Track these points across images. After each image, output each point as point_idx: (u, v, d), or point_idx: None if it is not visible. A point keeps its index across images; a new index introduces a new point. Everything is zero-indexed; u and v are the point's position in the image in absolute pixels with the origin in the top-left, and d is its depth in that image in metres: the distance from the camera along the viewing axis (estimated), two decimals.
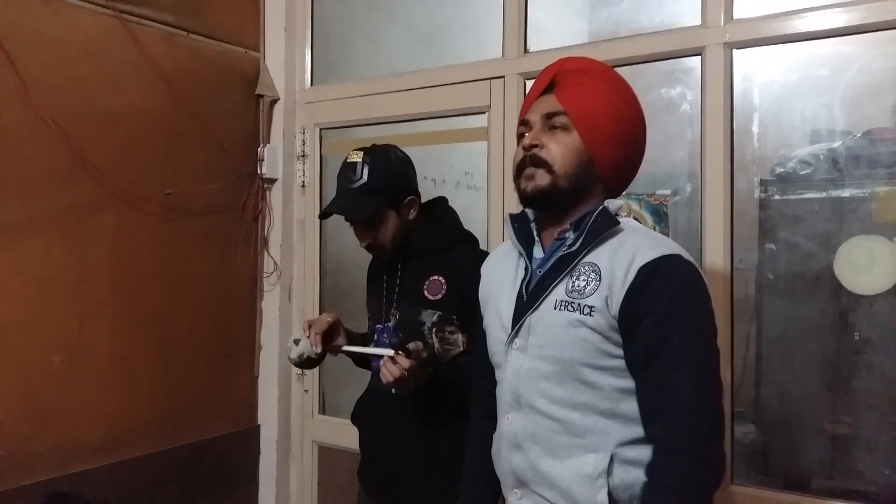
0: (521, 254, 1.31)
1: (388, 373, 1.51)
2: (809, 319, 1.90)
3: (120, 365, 2.17)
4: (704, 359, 1.13)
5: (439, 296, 1.71)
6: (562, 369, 1.18)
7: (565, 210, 1.26)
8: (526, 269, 1.29)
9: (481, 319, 1.42)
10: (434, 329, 1.69)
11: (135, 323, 2.22)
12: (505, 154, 2.19)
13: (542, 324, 1.21)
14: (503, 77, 2.20)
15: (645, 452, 1.16)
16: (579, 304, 1.17)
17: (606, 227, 1.20)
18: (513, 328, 1.26)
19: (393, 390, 1.73)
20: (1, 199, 1.89)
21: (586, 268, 1.19)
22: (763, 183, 1.96)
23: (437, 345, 1.67)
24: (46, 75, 1.99)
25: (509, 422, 1.27)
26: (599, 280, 1.16)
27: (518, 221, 1.34)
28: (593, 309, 1.15)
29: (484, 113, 2.25)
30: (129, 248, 2.20)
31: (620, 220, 1.22)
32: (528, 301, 1.25)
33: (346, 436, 2.18)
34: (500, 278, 1.35)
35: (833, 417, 1.90)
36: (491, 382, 1.38)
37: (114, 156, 2.15)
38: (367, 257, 1.97)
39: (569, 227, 1.24)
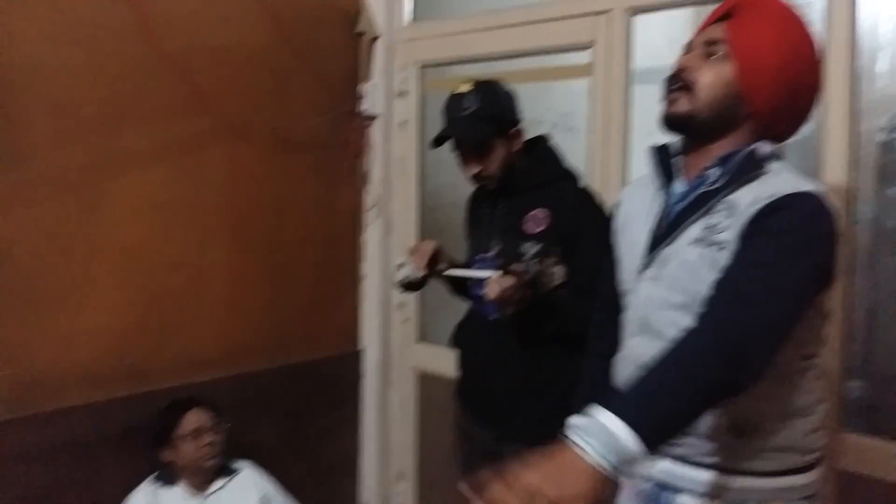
0: (661, 186, 1.30)
1: (497, 287, 1.56)
2: None
3: (234, 286, 2.31)
4: (791, 280, 1.06)
5: (540, 229, 1.73)
6: (691, 300, 1.17)
7: (706, 142, 1.24)
8: (665, 202, 1.28)
9: (611, 248, 1.42)
10: (534, 260, 1.72)
11: (247, 249, 2.34)
12: (610, 93, 2.13)
13: (676, 257, 1.21)
14: (609, 11, 2.13)
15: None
16: (711, 241, 1.16)
17: (751, 169, 1.17)
18: (647, 258, 1.26)
19: (491, 316, 1.78)
20: (125, 129, 2.01)
21: (722, 205, 1.18)
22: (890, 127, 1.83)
23: (537, 276, 1.70)
24: (164, 10, 2.07)
25: (636, 344, 1.29)
26: (732, 217, 1.15)
27: (660, 153, 1.32)
28: (723, 245, 1.15)
29: (588, 49, 2.19)
30: (240, 178, 2.31)
31: (770, 165, 1.19)
32: (664, 233, 1.24)
33: (445, 363, 2.25)
34: (637, 208, 1.35)
35: None
36: (611, 313, 1.39)
37: (225, 90, 2.24)
38: (464, 196, 1.99)
39: (714, 163, 1.22)
